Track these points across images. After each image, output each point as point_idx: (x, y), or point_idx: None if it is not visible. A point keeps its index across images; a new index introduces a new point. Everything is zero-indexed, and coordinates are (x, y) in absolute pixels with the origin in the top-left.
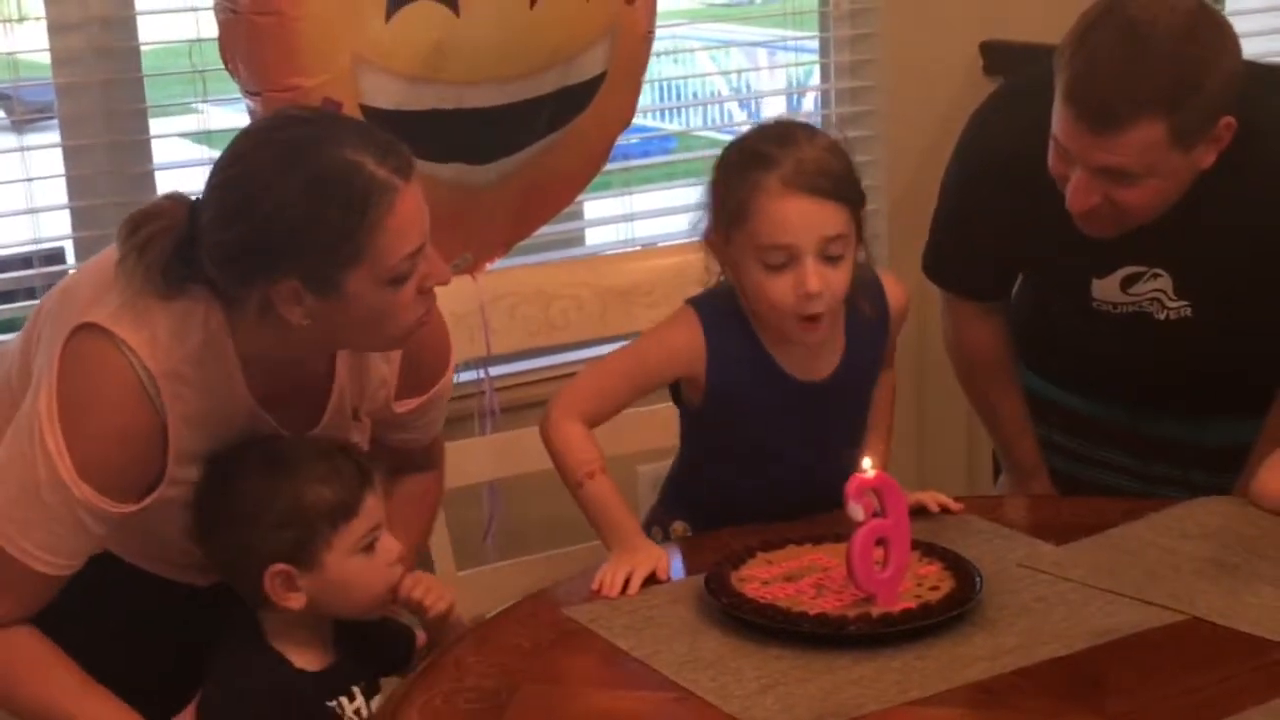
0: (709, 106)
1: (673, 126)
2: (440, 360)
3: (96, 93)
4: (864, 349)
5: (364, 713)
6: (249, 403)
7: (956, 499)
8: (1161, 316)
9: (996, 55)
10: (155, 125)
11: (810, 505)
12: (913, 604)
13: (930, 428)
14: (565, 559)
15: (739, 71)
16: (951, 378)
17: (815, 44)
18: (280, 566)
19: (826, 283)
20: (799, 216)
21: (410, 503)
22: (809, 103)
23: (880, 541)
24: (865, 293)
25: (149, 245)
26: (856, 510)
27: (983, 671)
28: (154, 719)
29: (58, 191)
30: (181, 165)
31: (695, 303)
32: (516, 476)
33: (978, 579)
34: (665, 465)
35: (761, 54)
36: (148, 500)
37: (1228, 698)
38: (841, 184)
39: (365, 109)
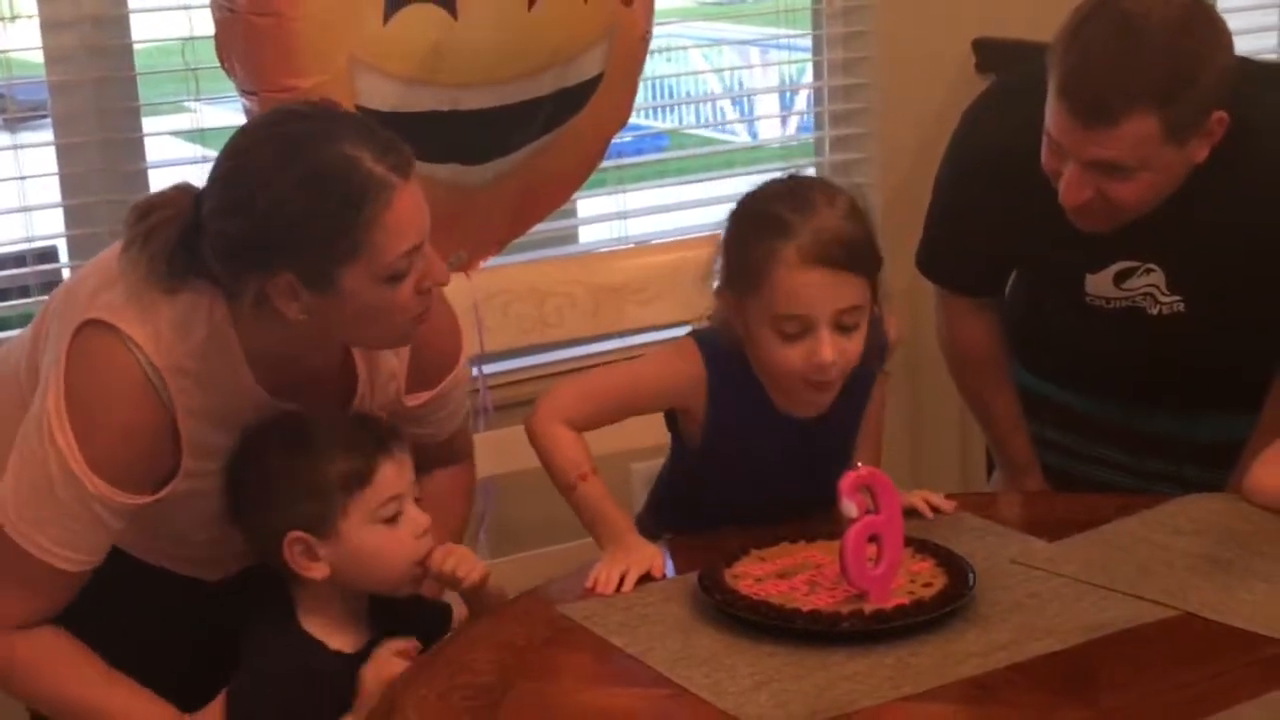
0: (702, 104)
1: (665, 124)
2: (450, 354)
3: (89, 91)
4: (857, 385)
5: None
6: (257, 395)
7: (949, 496)
8: (1154, 312)
9: (989, 52)
10: (148, 123)
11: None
12: (906, 600)
13: (924, 424)
14: (559, 556)
15: (732, 69)
16: (945, 375)
17: (808, 41)
18: (298, 534)
19: (840, 351)
20: (816, 290)
21: (439, 500)
22: (801, 100)
23: (873, 538)
24: (873, 340)
25: (154, 233)
26: (849, 507)
27: (976, 667)
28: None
29: (51, 190)
30: (174, 163)
31: (698, 337)
32: (510, 474)
33: (970, 575)
34: (658, 464)
35: (754, 52)
36: (163, 493)
37: (1220, 692)
38: (859, 254)
39: (361, 110)
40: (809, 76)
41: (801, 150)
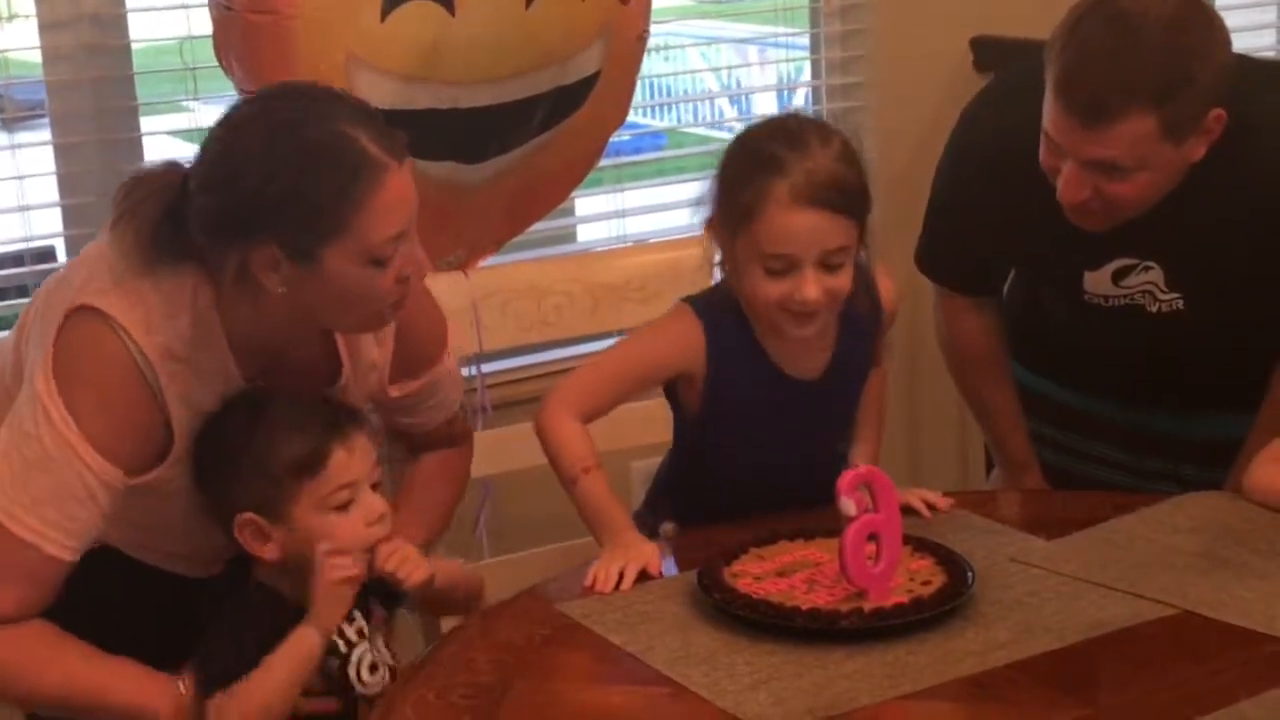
0: (699, 103)
1: (663, 123)
2: (435, 343)
3: (87, 90)
4: (854, 347)
5: (365, 631)
6: (240, 384)
7: (947, 494)
8: (1154, 309)
9: (987, 51)
10: (146, 123)
11: (801, 497)
12: (905, 599)
13: (923, 422)
14: (558, 555)
15: (729, 68)
16: (944, 373)
17: (806, 40)
18: (249, 516)
19: (823, 289)
20: (805, 230)
21: (420, 484)
22: (799, 99)
23: (872, 536)
24: (861, 291)
25: (141, 206)
26: (848, 505)
27: (975, 665)
28: None
29: (49, 189)
30: None
31: (692, 301)
32: (509, 472)
33: (970, 574)
34: (658, 462)
35: (752, 50)
36: (151, 475)
37: (1219, 690)
38: (851, 196)
39: None
40: (807, 75)
41: None
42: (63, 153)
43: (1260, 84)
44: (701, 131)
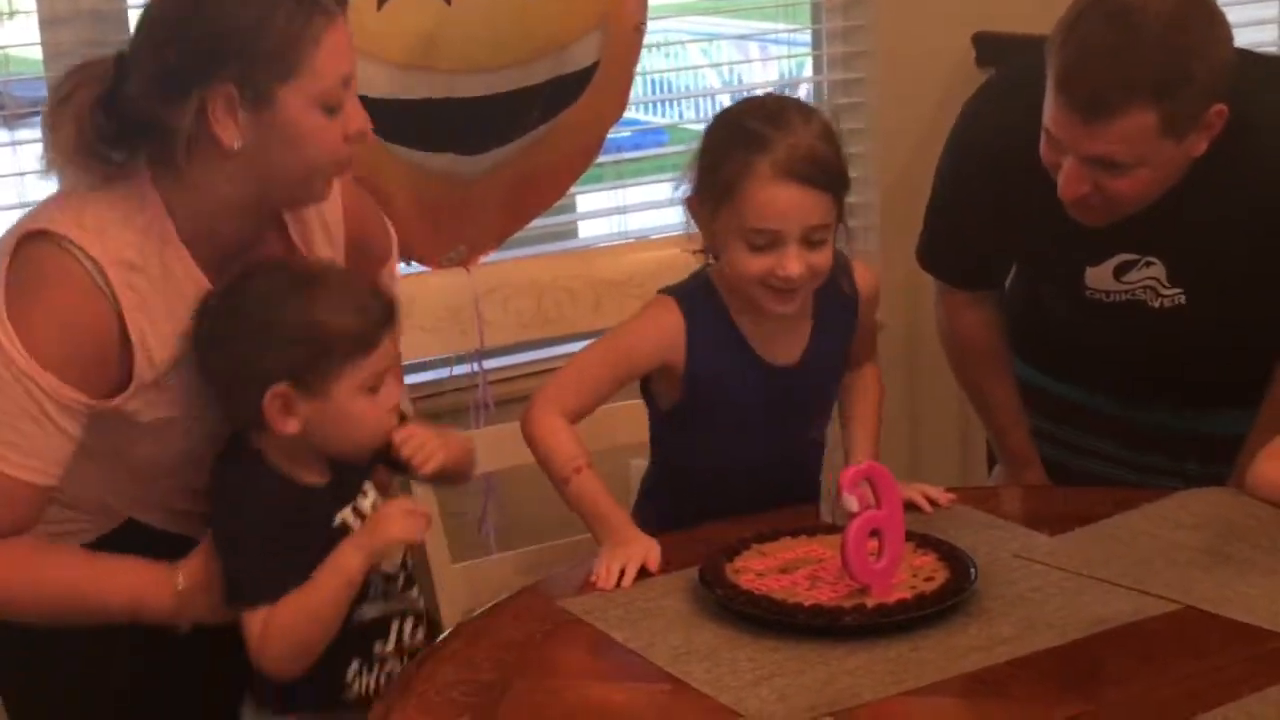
0: (700, 99)
1: (664, 120)
2: (382, 243)
3: None
4: (831, 333)
5: (378, 505)
6: (203, 285)
7: (948, 489)
8: (1155, 305)
9: (989, 47)
10: None
11: (780, 486)
12: (908, 595)
13: (924, 418)
14: (560, 551)
15: (730, 64)
16: (945, 369)
17: (808, 36)
18: (282, 388)
19: (806, 265)
20: (787, 205)
21: None
22: (801, 94)
23: (875, 532)
24: (837, 275)
25: (74, 95)
26: (851, 501)
27: (978, 662)
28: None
29: (49, 186)
30: None
31: (670, 291)
32: (511, 469)
33: (972, 570)
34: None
35: (753, 46)
36: (118, 400)
37: (1223, 686)
38: (831, 173)
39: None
40: (808, 71)
41: None
42: None
43: (1261, 81)
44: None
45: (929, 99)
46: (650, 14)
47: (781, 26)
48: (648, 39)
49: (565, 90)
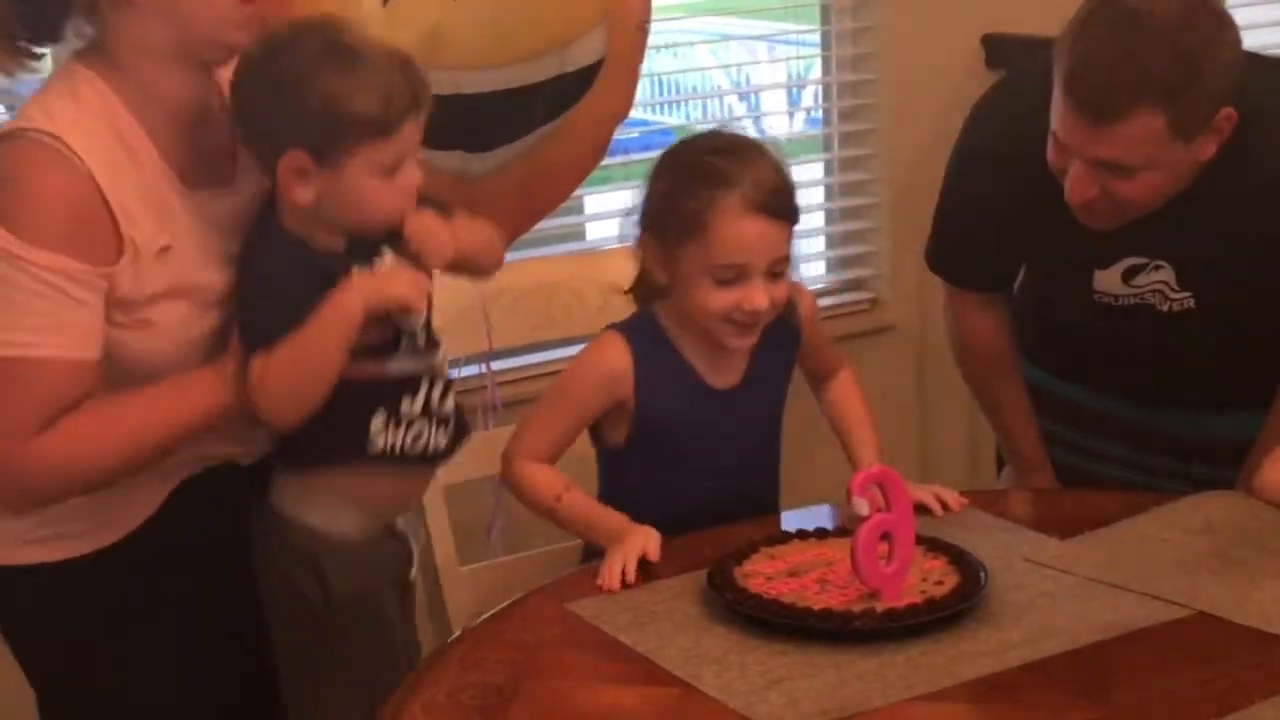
0: (709, 100)
1: (673, 120)
2: None
3: None
4: (771, 353)
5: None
6: (165, 170)
7: (961, 493)
8: (1165, 309)
9: (998, 48)
10: None
11: (735, 511)
12: (918, 599)
13: (933, 421)
14: (568, 553)
15: (739, 65)
16: (954, 371)
17: (816, 37)
18: (297, 156)
19: (770, 298)
20: (756, 239)
21: None
22: (809, 96)
23: (885, 536)
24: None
25: None
26: (861, 504)
27: (988, 666)
28: None
29: None
30: None
31: (616, 326)
32: None
33: (982, 574)
34: None
35: (761, 47)
36: (120, 263)
37: (1234, 692)
38: (791, 204)
39: None
40: (817, 72)
41: (810, 145)
42: None
43: (1271, 84)
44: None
45: (938, 101)
46: (659, 14)
47: (791, 27)
48: (656, 40)
49: (570, 88)
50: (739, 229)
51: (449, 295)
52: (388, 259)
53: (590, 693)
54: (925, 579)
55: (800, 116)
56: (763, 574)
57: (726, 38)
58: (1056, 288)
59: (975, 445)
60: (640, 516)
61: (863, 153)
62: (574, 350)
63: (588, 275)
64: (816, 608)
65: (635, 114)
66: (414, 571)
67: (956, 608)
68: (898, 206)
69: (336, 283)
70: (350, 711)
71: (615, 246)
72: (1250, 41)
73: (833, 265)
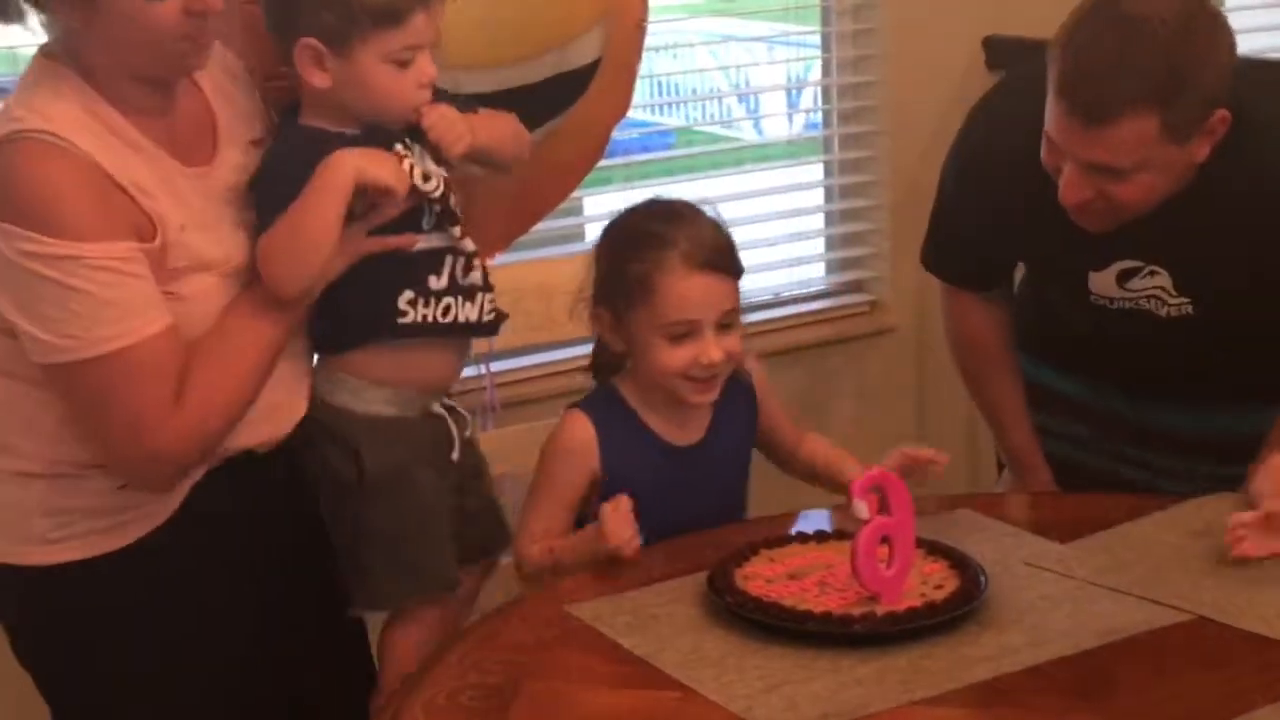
0: (708, 102)
1: (673, 121)
2: None
3: None
4: (731, 415)
5: (417, 169)
6: (158, 151)
7: (958, 497)
8: (1163, 314)
9: (999, 50)
10: None
11: None
12: (918, 603)
13: (932, 425)
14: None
15: (738, 66)
16: (954, 375)
17: (817, 39)
18: (310, 41)
19: (724, 351)
20: (703, 293)
21: None
22: (809, 98)
23: (885, 539)
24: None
25: None
26: (861, 508)
27: (989, 670)
28: None
29: None
30: None
31: (578, 404)
32: (519, 472)
33: (983, 577)
34: None
35: (761, 48)
36: (158, 240)
37: (1236, 697)
38: (732, 259)
39: None
40: (817, 74)
41: (810, 147)
42: None
43: (1267, 87)
44: (710, 130)
45: (939, 102)
46: (659, 16)
47: (791, 29)
48: (656, 41)
49: (569, 87)
50: (685, 286)
51: None
52: (398, 149)
53: (589, 695)
54: (925, 582)
55: (800, 118)
56: (763, 577)
57: (727, 39)
58: (1053, 289)
59: (975, 449)
60: None
61: (863, 155)
62: (574, 352)
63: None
64: (816, 611)
65: (635, 115)
66: (455, 453)
67: (957, 611)
68: (898, 209)
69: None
70: (388, 586)
71: None
72: (1249, 45)
73: (832, 267)
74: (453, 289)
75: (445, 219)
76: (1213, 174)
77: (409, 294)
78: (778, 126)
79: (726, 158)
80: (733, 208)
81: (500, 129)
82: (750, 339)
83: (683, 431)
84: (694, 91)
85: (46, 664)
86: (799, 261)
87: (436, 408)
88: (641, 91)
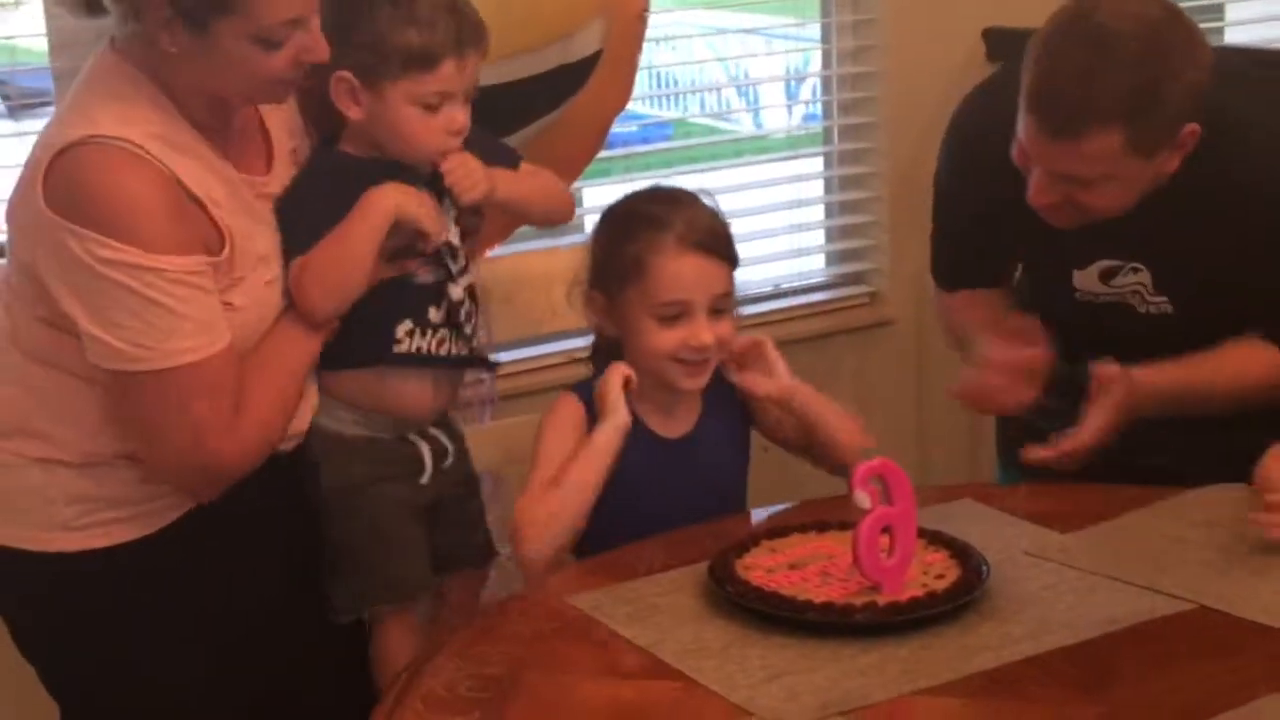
0: (706, 94)
1: (670, 114)
2: None
3: None
4: (719, 411)
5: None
6: (219, 159)
7: (954, 487)
8: (1143, 310)
9: (999, 42)
10: None
11: None
12: (919, 592)
13: (931, 416)
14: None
15: (737, 58)
16: (953, 366)
17: (816, 30)
18: (345, 75)
19: (716, 335)
20: (695, 274)
21: None
22: (808, 90)
23: (886, 529)
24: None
25: None
26: (862, 498)
27: (990, 660)
28: None
29: None
30: None
31: (572, 388)
32: (517, 464)
33: (984, 567)
34: None
35: (759, 40)
36: (224, 253)
37: (1237, 687)
38: (728, 245)
39: None
40: (816, 65)
41: (809, 139)
42: None
43: (1246, 90)
44: (708, 122)
45: (939, 94)
46: (656, 8)
47: (790, 20)
48: (653, 33)
49: (570, 79)
50: (678, 266)
51: None
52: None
53: (589, 686)
54: (927, 572)
55: (799, 110)
56: (763, 567)
57: (724, 31)
58: (1041, 283)
59: (975, 440)
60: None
61: (863, 146)
62: (573, 343)
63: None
64: (818, 601)
65: (633, 107)
66: (426, 477)
67: (958, 601)
68: (898, 200)
69: (370, 185)
70: (350, 593)
71: None
72: (1251, 36)
73: (832, 259)
74: (450, 322)
75: (450, 255)
76: (1191, 176)
77: (408, 324)
78: (777, 119)
79: (725, 149)
80: (732, 199)
81: (527, 185)
82: (749, 331)
83: (672, 422)
84: (692, 83)
85: (55, 654)
86: (799, 253)
87: (411, 435)
88: (639, 83)
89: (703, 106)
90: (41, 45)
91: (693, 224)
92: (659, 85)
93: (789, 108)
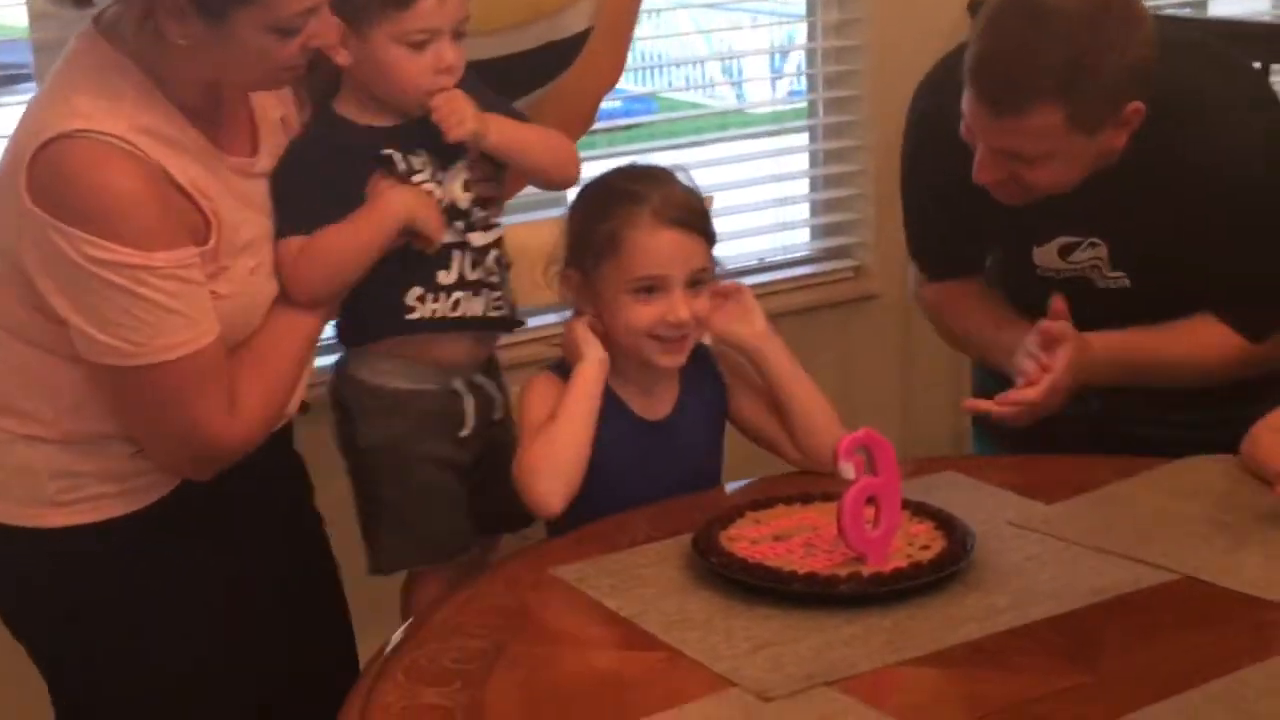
0: (690, 67)
1: (648, 88)
2: None
3: None
4: (697, 392)
5: (435, 192)
6: (206, 143)
7: (941, 458)
8: (1101, 285)
9: None
10: None
11: None
12: (904, 563)
13: (916, 390)
14: None
15: (720, 31)
16: (937, 342)
17: (801, 3)
18: (331, 17)
19: (692, 310)
20: (671, 249)
21: None
22: (794, 63)
23: (871, 500)
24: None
25: None
26: (847, 468)
27: (975, 631)
28: None
29: None
30: None
31: (551, 366)
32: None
33: (969, 538)
34: None
35: (743, 14)
36: (211, 241)
37: (1223, 657)
38: (704, 220)
39: None
40: (801, 38)
41: (794, 113)
42: None
43: (1197, 66)
44: (690, 97)
45: (924, 68)
46: None
47: None
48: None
49: (558, 56)
50: (654, 240)
51: None
52: (423, 158)
53: (574, 657)
54: (911, 543)
55: (783, 84)
56: (748, 538)
57: (711, 4)
58: (1003, 261)
59: (959, 414)
60: None
61: (847, 119)
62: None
63: None
64: (802, 572)
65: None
66: (467, 430)
67: (943, 572)
68: (882, 175)
69: (371, 151)
70: (390, 552)
71: None
72: (1233, 10)
73: (816, 233)
74: (461, 283)
75: (457, 217)
76: (1147, 148)
77: (417, 290)
78: (761, 92)
79: (710, 123)
80: (717, 173)
81: (525, 133)
82: None
83: (651, 404)
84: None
85: (49, 632)
86: (783, 227)
87: (456, 384)
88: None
89: (688, 81)
90: (22, 20)
91: (668, 199)
92: (643, 60)
93: (773, 82)
